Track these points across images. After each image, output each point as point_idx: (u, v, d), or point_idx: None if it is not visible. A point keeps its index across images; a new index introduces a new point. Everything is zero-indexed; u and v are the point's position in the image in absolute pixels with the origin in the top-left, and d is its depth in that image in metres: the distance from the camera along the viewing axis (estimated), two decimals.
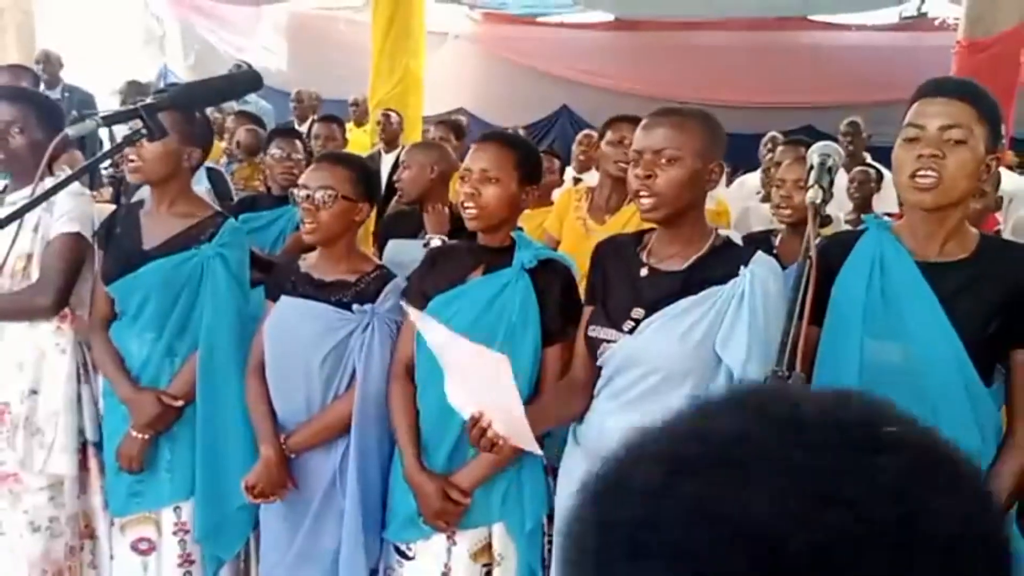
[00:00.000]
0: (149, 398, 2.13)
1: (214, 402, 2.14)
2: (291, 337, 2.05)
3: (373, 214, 3.45)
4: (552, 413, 1.83)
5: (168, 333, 2.16)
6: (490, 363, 1.52)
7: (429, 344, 1.71)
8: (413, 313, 1.70)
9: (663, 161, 1.63)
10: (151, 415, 2.12)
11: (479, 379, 1.61)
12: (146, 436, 2.14)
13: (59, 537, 2.26)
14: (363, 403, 2.00)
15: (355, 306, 2.02)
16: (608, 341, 1.70)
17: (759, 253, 1.68)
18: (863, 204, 4.19)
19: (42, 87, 5.91)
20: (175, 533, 2.19)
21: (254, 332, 2.16)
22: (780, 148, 4.00)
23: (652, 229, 1.79)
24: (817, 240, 1.34)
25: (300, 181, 2.08)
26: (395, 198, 3.62)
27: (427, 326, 1.68)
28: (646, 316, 1.66)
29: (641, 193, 1.64)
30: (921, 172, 1.52)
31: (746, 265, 1.63)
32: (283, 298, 2.09)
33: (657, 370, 1.63)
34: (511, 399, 1.52)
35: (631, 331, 1.67)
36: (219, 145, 5.68)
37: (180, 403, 2.15)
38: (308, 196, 2.02)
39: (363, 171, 2.14)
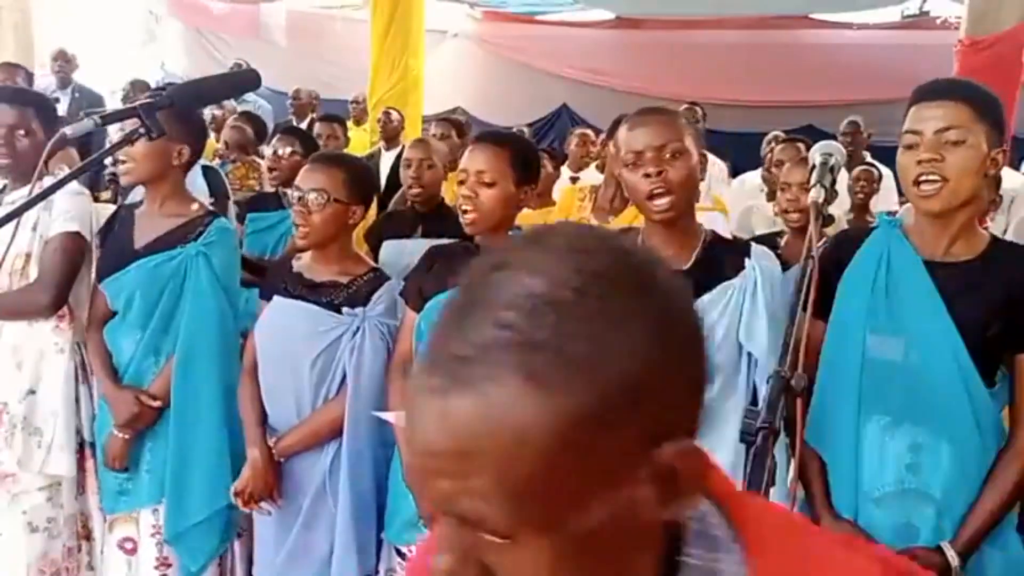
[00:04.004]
0: (128, 397, 2.13)
1: (188, 403, 2.12)
2: (281, 338, 2.04)
3: (372, 213, 3.46)
4: None
5: (152, 331, 2.15)
6: None
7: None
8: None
9: (669, 156, 1.61)
10: (129, 414, 2.11)
11: None
12: (126, 436, 2.13)
13: (57, 538, 2.25)
14: (355, 406, 1.98)
15: (345, 309, 2.01)
16: None
17: (755, 245, 1.71)
18: (864, 203, 4.19)
19: (53, 85, 5.93)
20: (152, 535, 2.17)
21: (244, 332, 2.14)
22: (779, 147, 3.98)
23: (633, 228, 1.78)
24: (822, 240, 1.33)
25: (295, 182, 2.05)
26: (394, 197, 3.61)
27: None
28: None
29: (655, 191, 1.61)
30: (924, 178, 1.53)
31: (748, 257, 1.66)
32: (275, 298, 2.08)
33: None
34: None
35: None
36: (214, 143, 5.67)
37: (157, 403, 2.14)
38: (300, 198, 1.99)
39: (357, 172, 2.11)
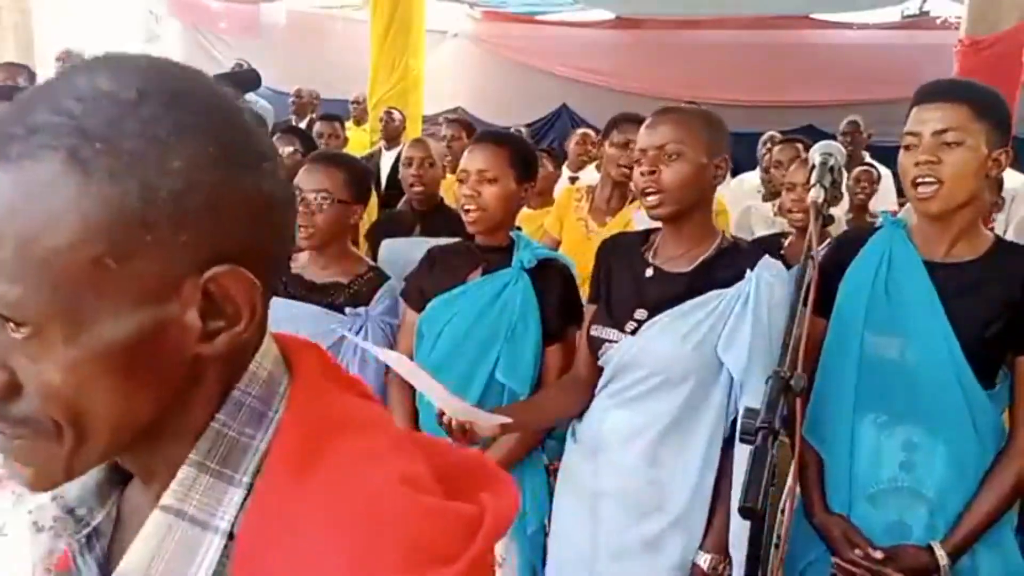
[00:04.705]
0: None
1: None
2: None
3: (373, 212, 3.46)
4: (550, 409, 1.83)
5: None
6: (401, 362, 1.56)
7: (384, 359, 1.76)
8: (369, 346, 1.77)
9: (666, 157, 1.63)
10: None
11: (414, 378, 1.64)
12: None
13: (62, 536, 2.25)
14: None
15: (348, 309, 2.01)
16: (610, 341, 1.69)
17: (766, 257, 1.67)
18: (864, 204, 4.20)
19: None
20: None
21: None
22: (777, 147, 3.98)
23: (658, 229, 1.79)
24: (825, 240, 1.33)
25: (294, 182, 2.06)
26: (404, 198, 3.61)
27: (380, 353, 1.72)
28: (649, 317, 1.65)
29: (647, 190, 1.64)
30: (920, 180, 1.54)
31: (752, 268, 1.63)
32: (273, 299, 2.06)
33: (658, 372, 1.63)
34: (435, 385, 1.56)
35: (633, 332, 1.66)
36: None
37: None
38: (302, 199, 1.99)
39: (357, 172, 2.12)
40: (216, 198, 0.53)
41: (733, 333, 1.59)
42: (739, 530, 1.32)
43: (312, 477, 0.55)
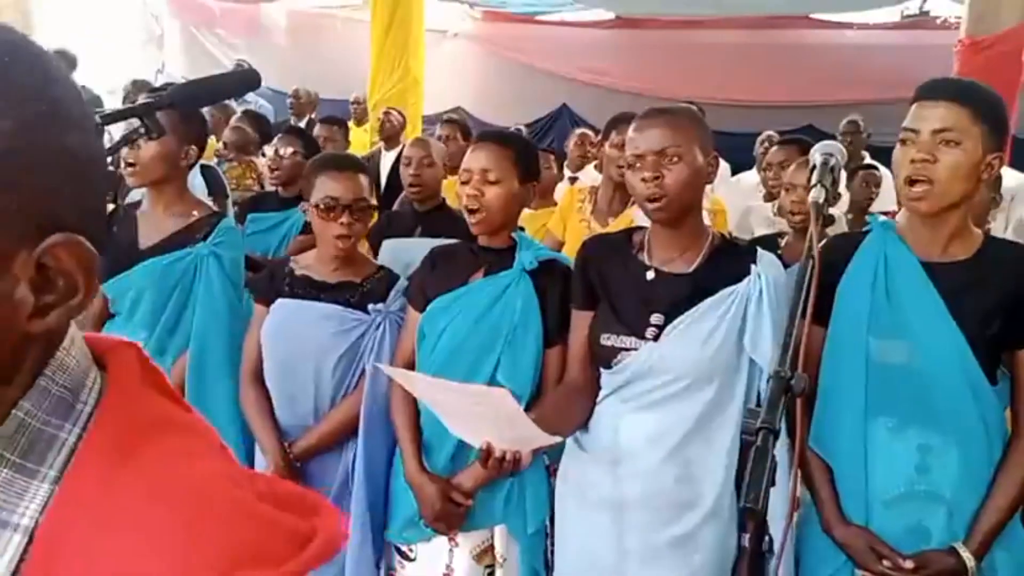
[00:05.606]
0: None
1: (203, 402, 2.09)
2: (300, 340, 2.02)
3: (374, 214, 3.46)
4: (551, 424, 1.73)
5: (160, 332, 2.14)
6: (493, 399, 1.51)
7: (418, 396, 1.75)
8: (398, 374, 1.73)
9: (668, 160, 1.62)
10: None
11: (479, 415, 1.59)
12: None
13: None
14: (372, 403, 1.99)
15: (370, 306, 2.02)
16: (627, 349, 1.67)
17: (762, 251, 1.68)
18: (867, 205, 4.19)
19: None
20: None
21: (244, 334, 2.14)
22: (774, 149, 3.97)
23: (640, 228, 1.78)
24: (824, 241, 1.33)
25: (331, 193, 2.00)
26: (399, 198, 3.61)
27: (414, 382, 1.69)
28: (667, 322, 1.64)
29: (653, 197, 1.62)
30: (913, 178, 1.53)
31: (755, 264, 1.64)
32: (283, 301, 2.06)
33: (683, 376, 1.62)
34: (522, 424, 1.51)
35: (655, 338, 1.65)
36: (214, 143, 5.67)
37: None
38: (346, 207, 1.98)
39: (370, 175, 2.16)
40: (47, 159, 0.50)
41: (757, 331, 1.60)
42: (777, 507, 1.29)
43: (129, 470, 0.51)
